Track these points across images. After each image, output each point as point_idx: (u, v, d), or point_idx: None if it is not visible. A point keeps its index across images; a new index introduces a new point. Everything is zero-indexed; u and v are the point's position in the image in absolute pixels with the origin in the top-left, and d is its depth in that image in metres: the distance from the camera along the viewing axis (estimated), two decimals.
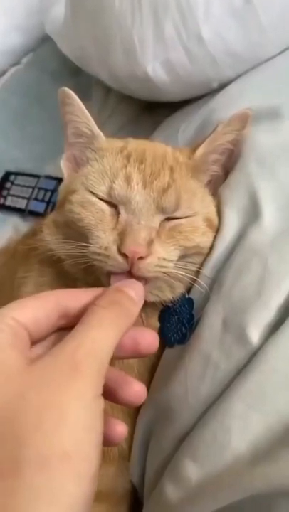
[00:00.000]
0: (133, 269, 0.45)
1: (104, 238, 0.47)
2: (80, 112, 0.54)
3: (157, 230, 0.48)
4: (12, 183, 1.14)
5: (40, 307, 0.34)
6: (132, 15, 0.74)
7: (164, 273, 0.47)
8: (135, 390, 0.36)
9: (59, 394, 0.28)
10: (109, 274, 0.47)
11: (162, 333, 0.53)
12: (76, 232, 0.50)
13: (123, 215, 0.48)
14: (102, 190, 0.50)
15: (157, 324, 0.54)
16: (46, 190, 1.08)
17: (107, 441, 0.34)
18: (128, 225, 0.47)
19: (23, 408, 0.27)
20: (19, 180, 1.14)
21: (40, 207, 1.07)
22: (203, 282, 0.50)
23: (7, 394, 0.28)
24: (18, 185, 1.13)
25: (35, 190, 1.10)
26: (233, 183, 0.54)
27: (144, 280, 0.46)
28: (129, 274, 0.46)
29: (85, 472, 0.27)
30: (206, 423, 0.42)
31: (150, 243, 0.46)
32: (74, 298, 0.36)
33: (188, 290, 0.53)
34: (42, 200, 1.08)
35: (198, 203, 0.52)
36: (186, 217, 0.50)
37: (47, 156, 1.12)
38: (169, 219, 0.50)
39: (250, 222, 0.49)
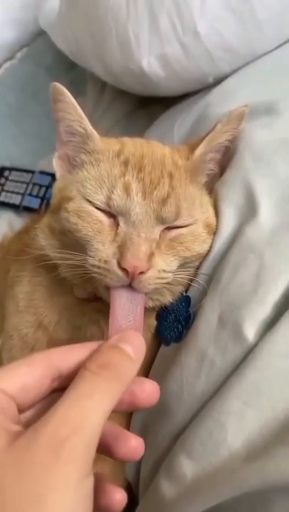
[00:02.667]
0: (133, 283, 0.44)
1: (103, 251, 0.46)
2: (73, 110, 0.51)
3: (157, 241, 0.47)
4: (6, 178, 1.13)
5: (29, 373, 0.31)
6: (127, 8, 0.73)
7: (164, 283, 0.47)
8: (132, 445, 0.34)
9: (40, 481, 0.25)
10: (108, 287, 0.46)
11: (159, 331, 0.53)
12: (73, 241, 0.49)
13: (122, 226, 0.47)
14: (99, 199, 0.48)
15: (154, 323, 0.54)
16: (41, 186, 1.08)
17: (105, 510, 0.33)
18: (128, 239, 0.46)
19: (1, 501, 0.25)
20: (14, 175, 1.13)
21: (34, 203, 1.07)
22: (201, 280, 0.50)
23: None
24: (12, 180, 1.12)
25: (30, 186, 1.09)
26: (229, 179, 0.54)
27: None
28: (129, 287, 0.45)
29: None
30: (201, 420, 0.42)
31: (150, 256, 0.45)
32: (67, 356, 0.33)
33: (187, 288, 0.53)
34: (36, 196, 1.07)
35: (198, 208, 0.51)
36: (186, 225, 0.49)
37: (42, 151, 1.12)
38: (169, 228, 0.48)
39: (246, 219, 0.49)
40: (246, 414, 0.39)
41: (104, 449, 0.33)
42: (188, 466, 0.41)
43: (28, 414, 0.32)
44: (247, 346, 0.42)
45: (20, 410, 0.31)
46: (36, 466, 0.25)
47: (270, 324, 0.42)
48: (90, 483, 0.27)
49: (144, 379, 0.35)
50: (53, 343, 0.55)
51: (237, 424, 0.39)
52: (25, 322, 0.57)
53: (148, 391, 0.34)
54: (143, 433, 0.52)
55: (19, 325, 0.57)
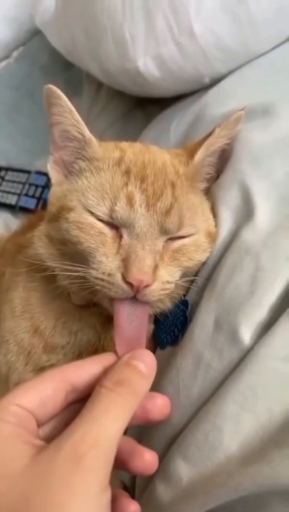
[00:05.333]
0: (138, 296, 0.44)
1: (107, 264, 0.45)
2: (69, 114, 0.49)
3: (161, 252, 0.47)
4: (2, 178, 1.13)
5: (44, 389, 0.33)
6: (123, 8, 0.73)
7: (167, 294, 0.47)
8: (146, 460, 0.35)
9: (61, 493, 0.27)
10: (112, 299, 0.46)
11: (156, 334, 0.53)
12: (74, 252, 0.48)
13: (126, 238, 0.46)
14: (102, 210, 0.47)
15: (152, 327, 0.54)
16: (37, 186, 1.08)
17: None
18: (132, 252, 0.45)
19: (27, 510, 0.27)
20: (10, 175, 1.13)
21: (31, 203, 1.06)
22: (199, 283, 0.50)
23: (9, 496, 0.27)
24: (8, 180, 1.12)
25: (26, 186, 1.09)
26: (226, 182, 0.54)
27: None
28: (133, 298, 0.45)
29: None
30: (197, 423, 0.42)
31: (155, 269, 0.45)
32: (79, 371, 0.35)
33: (186, 292, 0.52)
34: (33, 196, 1.07)
35: (200, 217, 0.50)
36: (188, 235, 0.49)
37: (38, 151, 1.11)
38: (171, 238, 0.48)
39: (243, 221, 0.49)
40: (242, 417, 0.39)
41: (120, 465, 0.34)
42: (184, 470, 0.41)
43: (45, 428, 0.34)
44: (243, 349, 0.42)
45: (38, 425, 0.33)
46: (58, 477, 0.28)
47: (267, 327, 0.41)
48: (108, 496, 0.29)
49: (155, 394, 0.37)
50: (49, 348, 0.55)
51: (233, 428, 0.39)
52: (22, 327, 0.56)
53: (159, 404, 0.36)
54: (139, 436, 0.51)
55: (15, 330, 0.57)
